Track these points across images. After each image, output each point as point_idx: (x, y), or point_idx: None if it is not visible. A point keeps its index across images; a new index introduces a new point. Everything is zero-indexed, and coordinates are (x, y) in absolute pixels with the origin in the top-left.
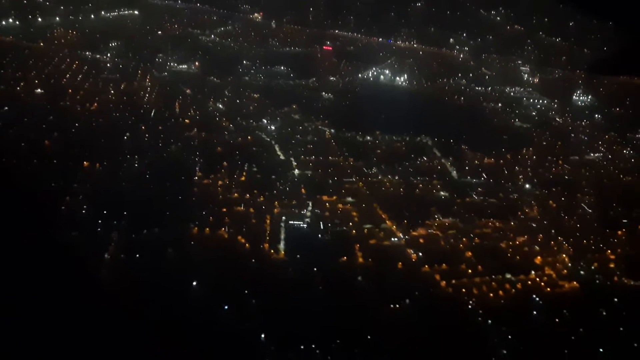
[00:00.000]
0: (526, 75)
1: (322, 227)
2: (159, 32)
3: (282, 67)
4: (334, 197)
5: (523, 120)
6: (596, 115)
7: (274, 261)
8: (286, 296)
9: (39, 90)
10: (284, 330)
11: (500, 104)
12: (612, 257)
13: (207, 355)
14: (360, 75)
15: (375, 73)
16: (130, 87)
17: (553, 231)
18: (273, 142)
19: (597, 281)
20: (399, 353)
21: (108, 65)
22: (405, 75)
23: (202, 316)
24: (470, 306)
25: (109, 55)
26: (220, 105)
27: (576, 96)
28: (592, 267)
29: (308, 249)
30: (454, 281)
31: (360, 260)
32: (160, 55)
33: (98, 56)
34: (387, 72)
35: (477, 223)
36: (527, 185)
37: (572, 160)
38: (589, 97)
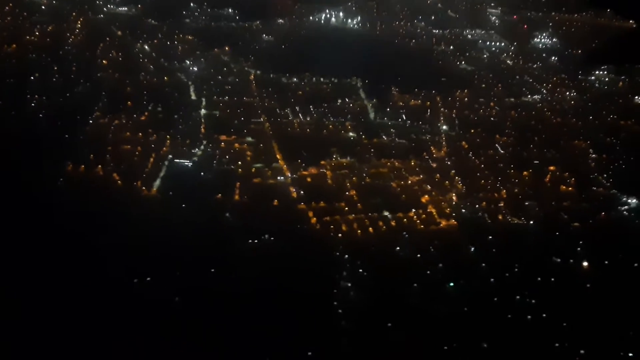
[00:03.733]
0: (493, 18)
1: (207, 166)
2: None
3: (230, 10)
4: (233, 137)
5: (470, 62)
6: (552, 58)
7: (143, 198)
8: (141, 231)
9: None
10: (126, 264)
11: (451, 47)
12: (505, 196)
13: (44, 288)
14: (311, 17)
15: (327, 16)
16: (57, 29)
17: (453, 171)
18: (190, 83)
19: (479, 219)
20: (242, 284)
21: (43, 7)
22: (359, 18)
23: (46, 251)
24: (333, 242)
25: None
26: (146, 47)
27: (538, 38)
28: (477, 206)
29: (185, 187)
30: (326, 218)
31: (236, 197)
32: None
33: None
34: (340, 14)
35: (375, 163)
36: (445, 127)
37: (506, 103)
38: (553, 39)
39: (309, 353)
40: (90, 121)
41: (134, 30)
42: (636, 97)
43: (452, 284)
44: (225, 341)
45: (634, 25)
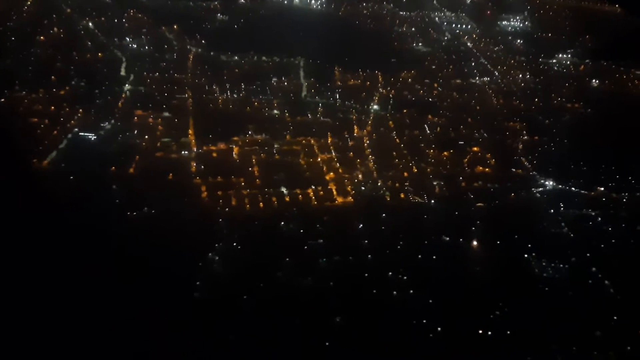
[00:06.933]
0: (468, 1)
1: (112, 139)
2: None
3: None
4: (149, 112)
5: (427, 44)
6: (518, 40)
7: (31, 169)
8: (18, 201)
9: None
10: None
11: (413, 28)
12: (415, 175)
13: None
14: None
15: None
16: (5, 6)
17: (369, 150)
18: (124, 59)
19: (378, 197)
20: (106, 255)
21: None
22: None
23: None
24: (216, 216)
25: None
26: (90, 24)
27: (508, 21)
28: (379, 184)
29: (81, 159)
30: (219, 193)
31: (131, 170)
32: None
33: None
34: None
35: (289, 140)
36: (376, 107)
37: (451, 84)
38: (525, 22)
39: (153, 324)
40: (3, 97)
41: (84, 7)
42: (593, 80)
43: (324, 260)
44: (78, 310)
45: (619, 10)
